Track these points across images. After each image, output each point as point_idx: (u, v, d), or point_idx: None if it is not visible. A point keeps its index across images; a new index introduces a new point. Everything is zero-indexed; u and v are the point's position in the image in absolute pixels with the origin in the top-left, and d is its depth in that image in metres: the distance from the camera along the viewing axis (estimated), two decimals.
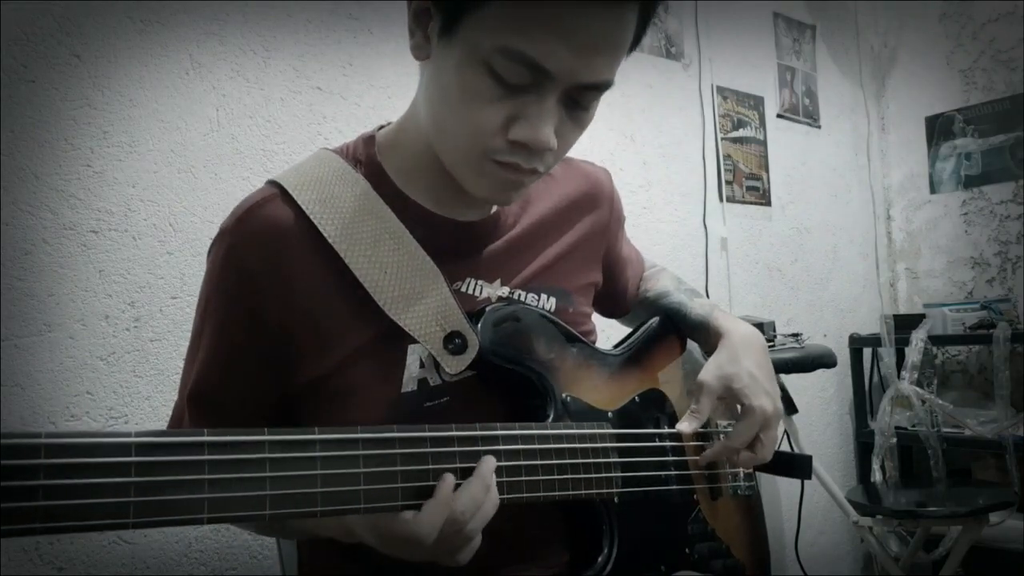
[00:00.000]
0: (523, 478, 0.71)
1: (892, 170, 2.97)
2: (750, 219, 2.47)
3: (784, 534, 2.31)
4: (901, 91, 2.94)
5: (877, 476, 2.44)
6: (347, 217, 0.76)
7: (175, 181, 1.35)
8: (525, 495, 0.71)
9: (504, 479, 0.69)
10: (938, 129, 2.83)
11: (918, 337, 2.42)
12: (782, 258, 2.57)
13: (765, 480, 1.01)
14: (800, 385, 2.47)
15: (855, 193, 2.88)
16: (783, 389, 1.73)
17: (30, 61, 1.21)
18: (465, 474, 0.65)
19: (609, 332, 1.08)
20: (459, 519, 0.62)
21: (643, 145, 2.18)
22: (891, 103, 2.97)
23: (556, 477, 0.74)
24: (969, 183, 2.76)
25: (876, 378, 2.71)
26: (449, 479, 0.63)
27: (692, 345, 1.02)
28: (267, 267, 0.74)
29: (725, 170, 2.38)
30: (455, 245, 0.82)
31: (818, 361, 1.99)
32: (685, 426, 0.87)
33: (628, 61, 0.73)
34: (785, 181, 2.59)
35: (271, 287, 0.74)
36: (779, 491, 2.37)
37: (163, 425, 0.83)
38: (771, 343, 2.01)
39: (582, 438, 0.77)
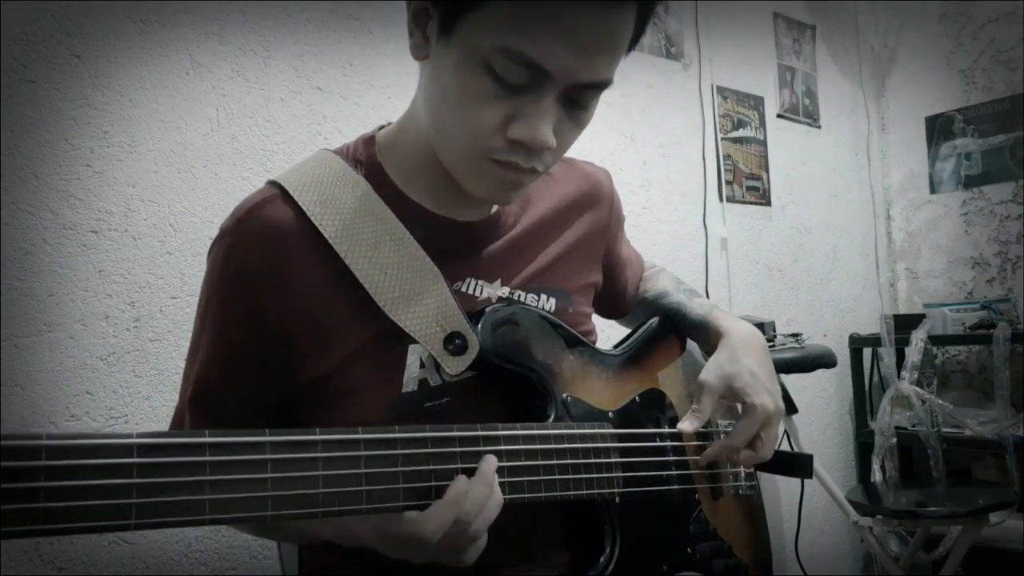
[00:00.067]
0: (525, 478, 0.71)
1: (892, 170, 2.97)
2: (750, 219, 2.47)
3: (784, 534, 2.30)
4: (901, 91, 2.94)
5: (877, 476, 2.44)
6: (347, 218, 0.76)
7: (175, 181, 1.35)
8: (527, 495, 0.71)
9: (506, 479, 0.68)
10: (938, 129, 2.83)
11: (918, 337, 2.42)
12: (782, 258, 2.57)
13: (765, 480, 1.01)
14: (800, 385, 2.47)
15: (855, 193, 2.87)
16: (783, 389, 1.73)
17: (30, 61, 1.21)
18: (467, 474, 0.65)
19: (609, 332, 1.08)
20: (463, 519, 0.62)
21: (643, 145, 2.17)
22: (891, 103, 2.97)
23: (557, 477, 0.74)
24: (969, 183, 2.76)
25: (876, 378, 2.71)
26: (462, 480, 0.63)
27: (692, 345, 1.02)
28: (267, 267, 0.74)
29: (725, 170, 2.38)
30: (455, 245, 0.82)
31: (818, 361, 1.99)
32: (686, 425, 0.87)
33: (628, 61, 0.73)
34: (785, 181, 2.59)
35: (271, 287, 0.74)
36: (779, 491, 2.37)
37: (164, 425, 0.83)
38: (771, 343, 2.01)
39: (583, 438, 0.77)
